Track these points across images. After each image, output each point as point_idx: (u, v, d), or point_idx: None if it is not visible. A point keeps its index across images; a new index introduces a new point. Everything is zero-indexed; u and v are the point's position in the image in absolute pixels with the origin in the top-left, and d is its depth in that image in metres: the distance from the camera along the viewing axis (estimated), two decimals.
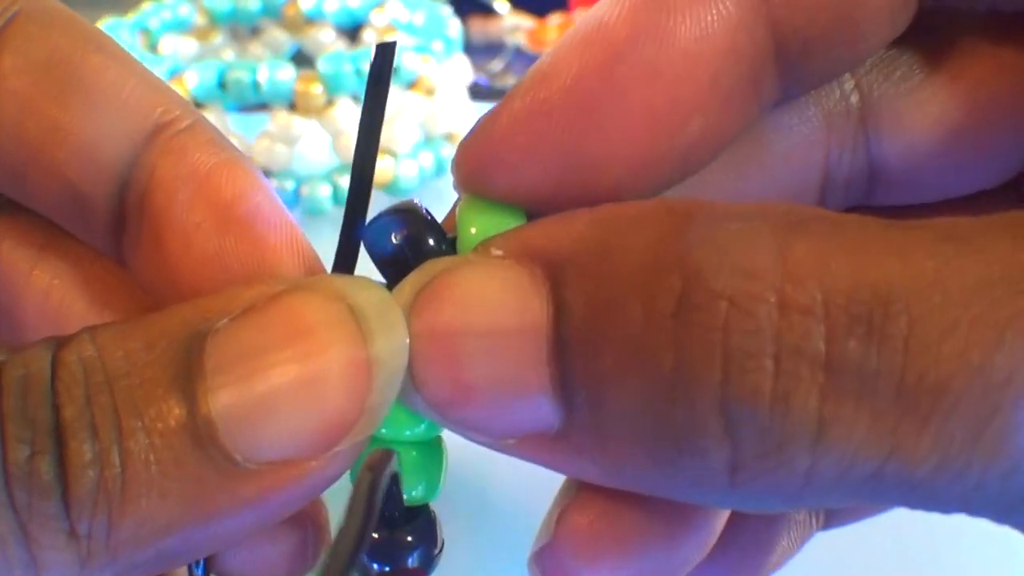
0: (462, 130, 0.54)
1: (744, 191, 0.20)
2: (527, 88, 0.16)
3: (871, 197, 0.21)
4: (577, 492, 0.17)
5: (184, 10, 0.59)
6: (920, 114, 0.19)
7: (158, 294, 0.18)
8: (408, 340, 0.16)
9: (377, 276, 0.17)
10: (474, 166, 0.17)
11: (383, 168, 0.49)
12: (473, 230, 0.17)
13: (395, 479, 0.17)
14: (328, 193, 0.49)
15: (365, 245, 0.17)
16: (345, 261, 0.17)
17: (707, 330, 0.13)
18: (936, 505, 0.14)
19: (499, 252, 0.16)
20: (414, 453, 0.17)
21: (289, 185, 0.48)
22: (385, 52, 0.17)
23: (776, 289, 0.13)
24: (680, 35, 0.16)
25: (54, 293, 0.20)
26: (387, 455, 0.16)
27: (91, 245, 0.20)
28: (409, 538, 0.17)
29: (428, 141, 0.52)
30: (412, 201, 0.17)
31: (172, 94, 0.19)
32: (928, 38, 0.19)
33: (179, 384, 0.14)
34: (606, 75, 0.16)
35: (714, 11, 0.16)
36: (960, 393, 0.13)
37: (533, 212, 0.17)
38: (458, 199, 0.18)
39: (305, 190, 0.48)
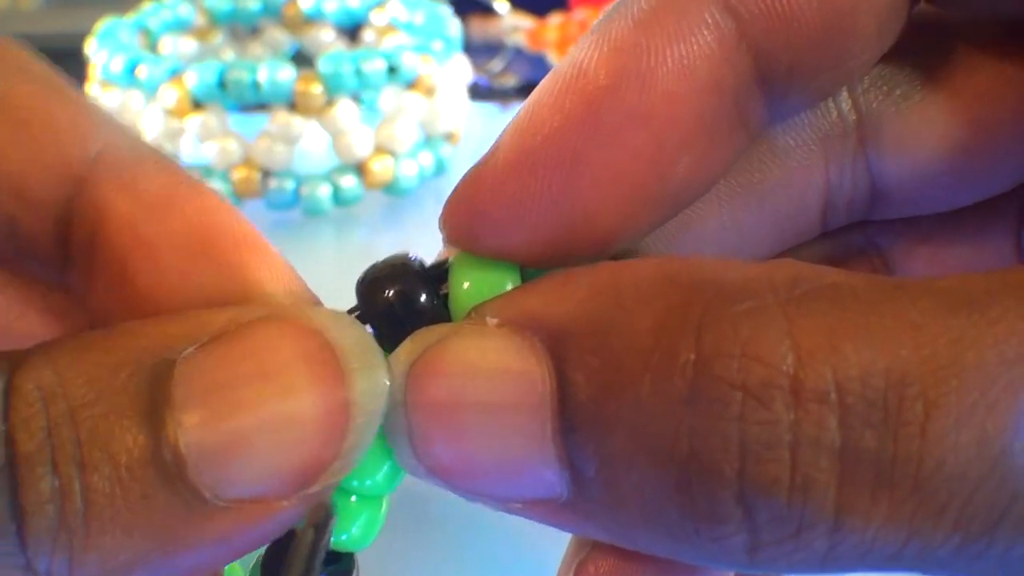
0: (462, 130, 0.54)
1: (743, 221, 0.19)
2: (509, 142, 0.16)
3: (873, 213, 0.20)
4: (593, 544, 0.17)
5: (184, 10, 0.59)
6: (923, 130, 0.19)
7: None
8: (387, 382, 0.15)
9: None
10: (461, 225, 0.16)
11: (383, 168, 0.49)
12: (466, 285, 0.16)
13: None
14: (328, 193, 0.49)
15: (357, 299, 0.17)
16: None
17: (723, 420, 0.13)
18: None
19: (495, 320, 0.15)
20: (352, 500, 0.17)
21: (289, 185, 0.48)
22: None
23: (790, 376, 0.13)
24: (661, 76, 0.15)
25: None
26: (329, 513, 0.16)
27: (28, 275, 0.19)
28: None
29: (428, 141, 0.52)
30: (405, 255, 0.17)
31: (112, 122, 0.18)
32: (926, 52, 0.19)
33: (147, 415, 0.14)
34: (588, 124, 0.16)
35: (695, 48, 0.16)
36: (979, 481, 0.13)
37: (526, 265, 0.17)
38: (443, 250, 0.17)
39: (305, 190, 0.48)
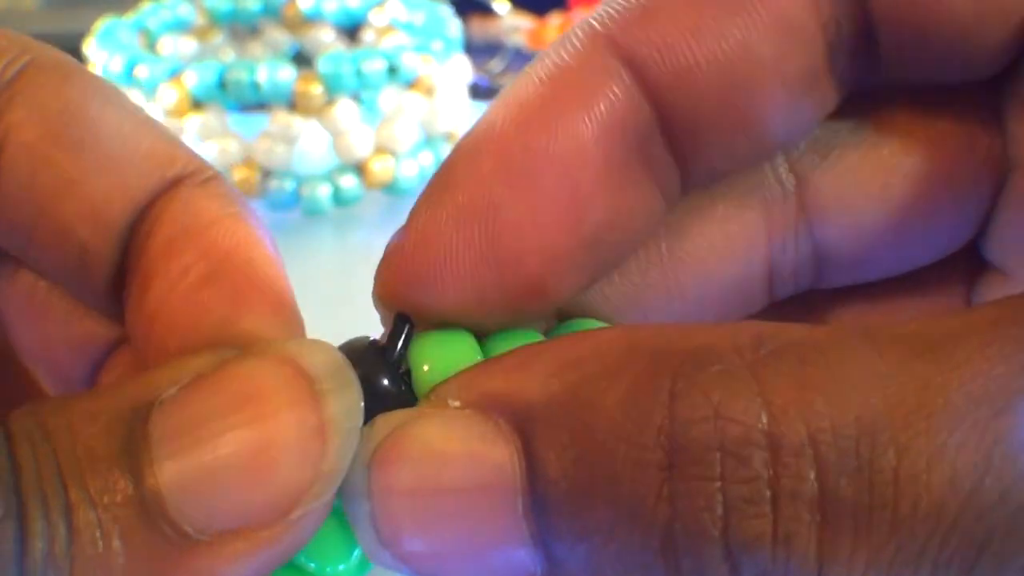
0: (462, 130, 0.54)
1: (689, 292, 0.19)
2: (427, 203, 0.17)
3: (820, 281, 0.20)
4: None
5: (184, 10, 0.59)
6: (862, 194, 0.19)
7: (140, 347, 0.18)
8: (362, 401, 0.15)
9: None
10: (392, 288, 0.17)
11: (383, 168, 0.49)
12: (425, 368, 0.16)
13: None
14: (328, 193, 0.49)
15: None
16: None
17: (705, 481, 0.13)
18: None
19: (457, 403, 0.15)
20: None
21: (289, 185, 0.48)
22: None
23: (765, 433, 0.13)
24: (565, 120, 0.16)
25: (39, 292, 0.20)
26: None
27: (89, 304, 0.19)
28: None
29: (428, 141, 0.52)
30: (365, 339, 0.17)
31: (189, 150, 0.19)
32: (862, 114, 0.19)
33: (124, 456, 0.14)
34: (501, 172, 0.16)
35: (594, 91, 0.16)
36: (954, 519, 0.13)
37: (480, 333, 0.17)
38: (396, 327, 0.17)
39: (305, 190, 0.48)
